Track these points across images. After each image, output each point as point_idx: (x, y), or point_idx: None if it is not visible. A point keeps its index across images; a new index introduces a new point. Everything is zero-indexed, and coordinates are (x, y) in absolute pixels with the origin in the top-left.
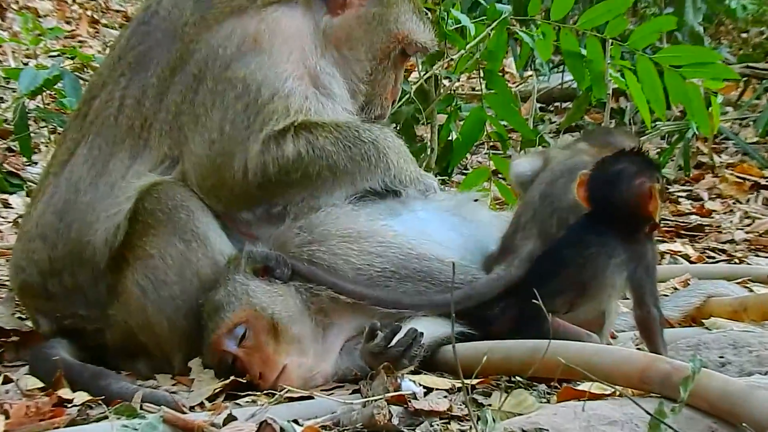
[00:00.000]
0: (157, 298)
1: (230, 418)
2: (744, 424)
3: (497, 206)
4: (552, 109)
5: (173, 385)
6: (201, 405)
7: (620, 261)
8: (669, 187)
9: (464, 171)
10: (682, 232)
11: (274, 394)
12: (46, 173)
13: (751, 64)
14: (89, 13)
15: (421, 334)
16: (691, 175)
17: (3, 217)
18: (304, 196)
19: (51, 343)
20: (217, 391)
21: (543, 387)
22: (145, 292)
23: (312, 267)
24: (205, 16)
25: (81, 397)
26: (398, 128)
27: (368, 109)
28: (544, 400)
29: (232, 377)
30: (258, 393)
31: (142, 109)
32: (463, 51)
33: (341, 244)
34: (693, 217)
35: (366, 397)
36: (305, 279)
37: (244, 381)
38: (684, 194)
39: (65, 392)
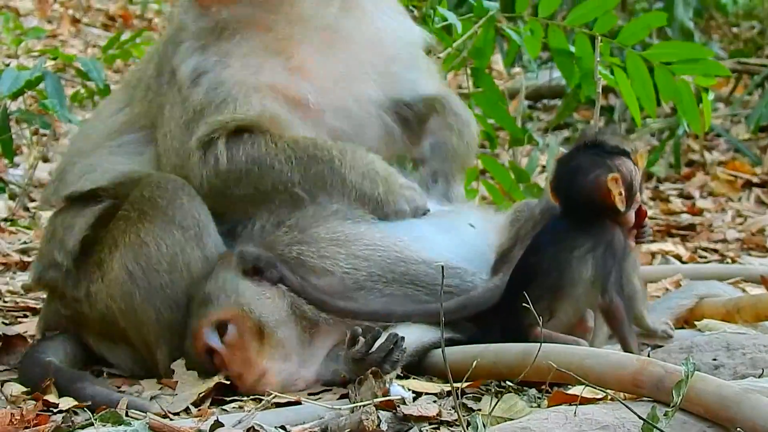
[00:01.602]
0: (146, 285)
1: (217, 425)
2: (738, 429)
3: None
4: (540, 106)
5: (159, 389)
6: (187, 411)
7: (584, 251)
8: (659, 185)
9: None
10: (673, 231)
11: (261, 400)
12: None
13: (742, 60)
14: (70, 12)
15: (402, 338)
16: (682, 173)
17: None
18: (264, 213)
19: (41, 347)
20: (202, 395)
21: (533, 391)
22: (134, 278)
23: (303, 282)
24: None
25: (66, 402)
26: None
27: None
28: (535, 405)
29: (216, 380)
30: (245, 398)
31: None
32: (450, 49)
33: (330, 247)
34: (684, 215)
35: (354, 403)
36: (294, 293)
37: (228, 382)
38: (675, 192)
39: (50, 398)
